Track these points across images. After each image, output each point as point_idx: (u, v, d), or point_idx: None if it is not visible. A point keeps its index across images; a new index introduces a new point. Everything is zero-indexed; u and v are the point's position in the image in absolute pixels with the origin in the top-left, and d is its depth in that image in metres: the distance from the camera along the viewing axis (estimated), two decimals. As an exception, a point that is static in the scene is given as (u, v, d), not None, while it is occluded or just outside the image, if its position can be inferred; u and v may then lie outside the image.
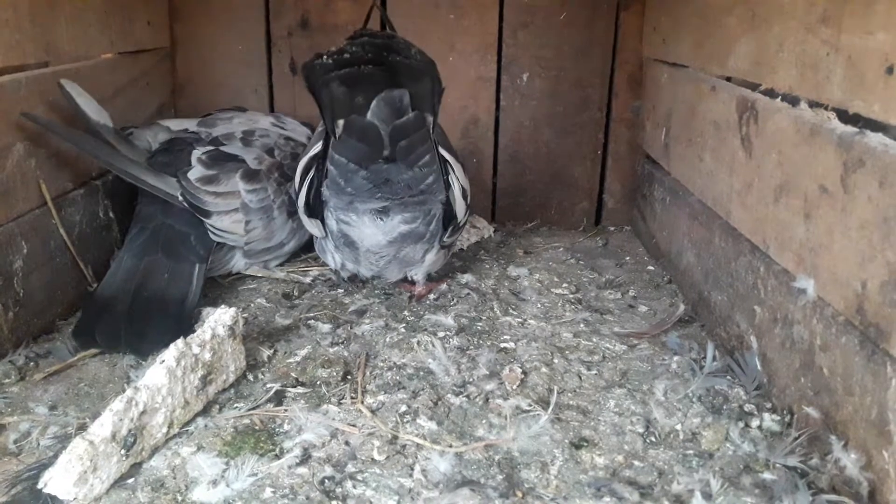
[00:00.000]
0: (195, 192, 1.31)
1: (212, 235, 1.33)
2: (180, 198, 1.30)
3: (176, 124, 1.48)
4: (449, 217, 1.28)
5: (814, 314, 0.90)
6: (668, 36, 1.55)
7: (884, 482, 0.76)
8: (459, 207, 1.28)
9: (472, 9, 1.73)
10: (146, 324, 1.18)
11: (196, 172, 1.32)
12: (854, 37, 0.82)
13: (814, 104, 0.92)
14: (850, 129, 0.84)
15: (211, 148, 1.38)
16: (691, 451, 0.92)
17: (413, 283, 1.38)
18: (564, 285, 1.47)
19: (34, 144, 1.17)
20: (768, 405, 1.01)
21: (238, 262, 1.44)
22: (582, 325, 1.28)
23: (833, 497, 0.81)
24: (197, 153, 1.35)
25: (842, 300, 0.85)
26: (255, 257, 1.45)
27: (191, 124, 1.48)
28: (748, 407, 1.01)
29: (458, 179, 1.26)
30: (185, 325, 1.21)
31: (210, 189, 1.33)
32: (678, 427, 0.97)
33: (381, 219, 1.23)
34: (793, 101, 0.98)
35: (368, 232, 1.25)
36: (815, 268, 0.90)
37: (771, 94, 1.04)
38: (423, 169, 1.16)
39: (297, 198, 1.31)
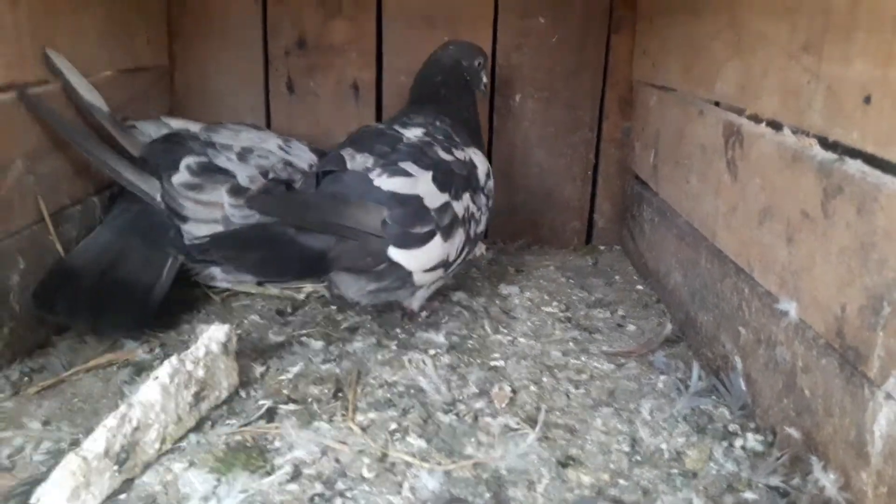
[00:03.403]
0: (175, 196, 1.31)
1: (186, 242, 1.33)
2: (159, 199, 1.31)
3: (179, 124, 1.49)
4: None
5: (796, 336, 0.92)
6: (657, 59, 1.58)
7: (862, 502, 0.78)
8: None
9: (466, 31, 1.76)
10: (109, 305, 1.20)
11: (181, 177, 1.33)
12: (834, 65, 0.85)
13: (796, 130, 0.95)
14: (830, 155, 0.86)
15: (203, 159, 1.37)
16: (676, 471, 0.94)
17: None
18: (554, 304, 1.49)
19: (33, 161, 1.19)
20: (752, 425, 1.03)
21: (218, 272, 1.43)
22: (571, 344, 1.30)
23: (813, 517, 0.82)
24: (187, 160, 1.35)
25: (822, 323, 0.87)
26: (233, 273, 1.45)
27: (195, 126, 1.48)
28: (732, 427, 1.03)
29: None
30: (147, 314, 1.23)
31: (191, 195, 1.33)
32: (663, 446, 0.99)
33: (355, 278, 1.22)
34: (776, 126, 1.00)
35: (346, 286, 1.25)
36: (797, 291, 0.92)
37: (755, 119, 1.07)
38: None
39: None
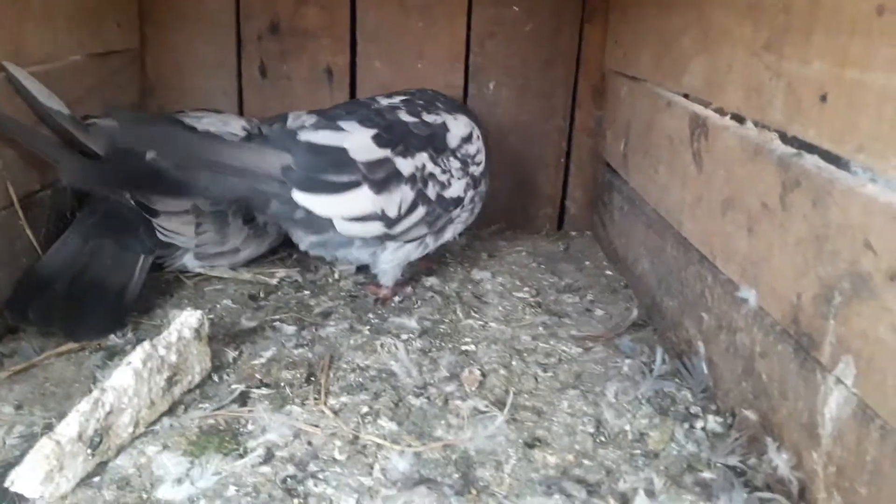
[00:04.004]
0: None
1: (160, 235, 1.34)
2: (128, 196, 1.30)
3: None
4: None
5: (755, 323, 0.96)
6: (629, 50, 1.60)
7: (812, 481, 0.82)
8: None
9: (440, 18, 1.77)
10: (83, 309, 1.20)
11: None
12: (793, 64, 0.87)
13: (759, 124, 0.97)
14: (789, 149, 0.89)
15: None
16: (638, 451, 0.97)
17: (379, 285, 1.41)
18: (525, 289, 1.51)
19: (1, 146, 1.18)
20: (713, 407, 1.07)
21: (190, 262, 1.45)
22: (541, 328, 1.33)
23: (766, 495, 0.86)
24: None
25: (779, 311, 0.90)
26: (208, 260, 1.46)
27: None
28: (694, 409, 1.07)
29: None
30: (122, 314, 1.23)
31: None
32: (627, 427, 1.02)
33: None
34: (740, 120, 1.03)
35: (295, 237, 1.37)
36: (757, 279, 0.96)
37: (720, 112, 1.10)
38: None
39: None
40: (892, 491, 0.69)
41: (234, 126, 1.53)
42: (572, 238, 1.89)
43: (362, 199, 1.24)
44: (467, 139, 1.41)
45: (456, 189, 1.37)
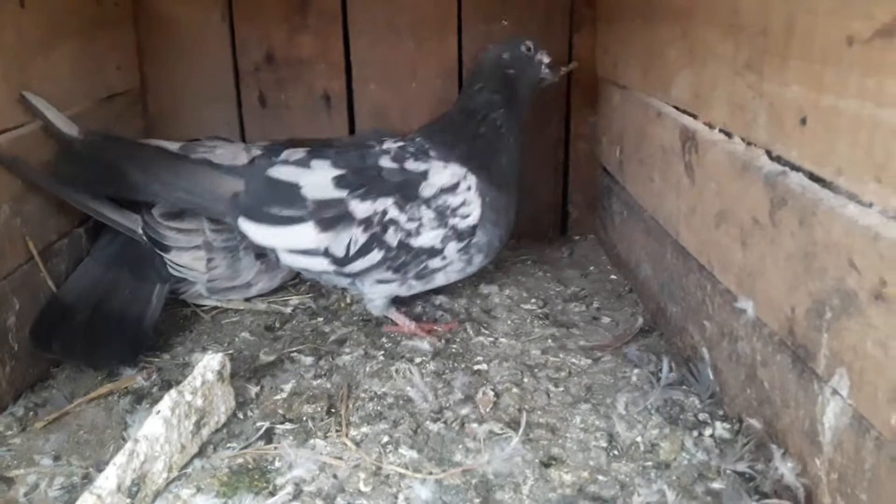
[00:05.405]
0: (156, 227, 1.37)
1: (171, 270, 1.39)
2: (140, 232, 1.36)
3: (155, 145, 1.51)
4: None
5: (754, 332, 0.99)
6: (619, 60, 1.63)
7: (817, 487, 0.86)
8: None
9: (431, 37, 1.80)
10: (102, 339, 1.26)
11: (160, 208, 1.38)
12: (774, 85, 0.91)
13: (746, 141, 1.00)
14: (775, 167, 0.92)
15: None
16: (650, 463, 1.01)
17: (395, 324, 1.43)
18: (533, 300, 1.55)
19: (19, 203, 1.22)
20: (720, 413, 1.10)
21: (204, 291, 1.49)
22: (550, 341, 1.37)
23: (775, 502, 0.90)
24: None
25: (776, 322, 0.93)
26: (220, 294, 1.50)
27: (172, 146, 1.50)
28: (702, 416, 1.10)
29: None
30: (140, 343, 1.30)
31: (172, 224, 1.38)
32: (638, 439, 1.06)
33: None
34: (728, 134, 1.06)
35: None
36: (753, 291, 0.99)
37: (710, 125, 1.13)
38: None
39: None
40: (889, 498, 0.73)
41: (242, 158, 1.55)
42: (576, 242, 1.93)
43: (304, 234, 1.29)
44: (449, 190, 1.33)
45: (427, 239, 1.32)
